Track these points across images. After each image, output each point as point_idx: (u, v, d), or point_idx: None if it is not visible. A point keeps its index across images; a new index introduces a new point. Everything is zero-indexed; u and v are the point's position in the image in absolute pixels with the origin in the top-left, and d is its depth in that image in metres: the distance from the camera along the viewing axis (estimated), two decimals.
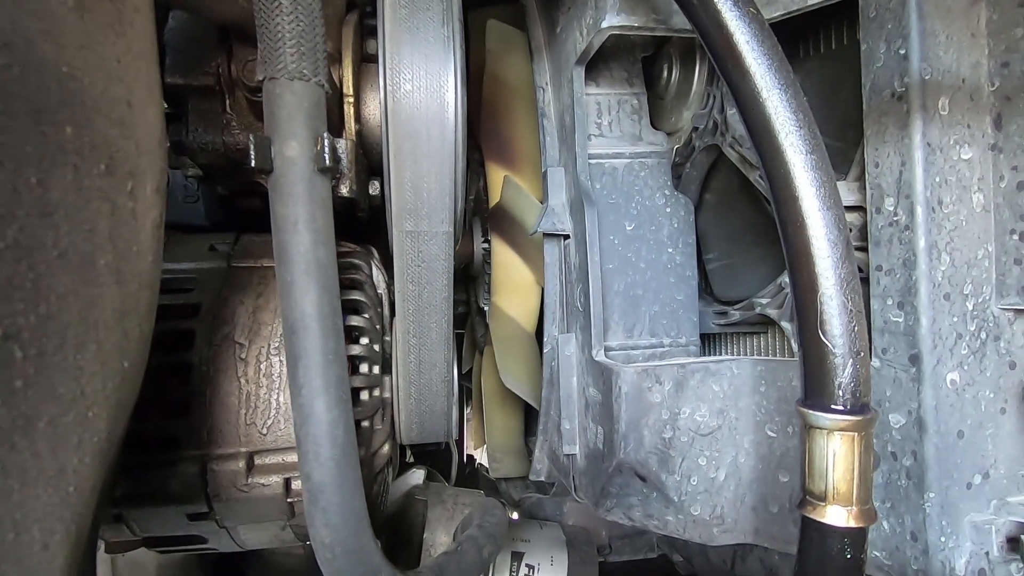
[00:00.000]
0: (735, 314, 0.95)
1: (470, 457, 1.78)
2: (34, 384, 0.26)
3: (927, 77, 0.59)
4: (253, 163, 0.49)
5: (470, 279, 1.40)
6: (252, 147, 0.49)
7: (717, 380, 0.76)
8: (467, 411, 1.63)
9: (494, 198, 1.18)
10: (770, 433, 0.74)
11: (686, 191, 0.99)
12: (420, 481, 1.18)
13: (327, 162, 0.51)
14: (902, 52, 0.60)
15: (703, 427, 0.76)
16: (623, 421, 0.76)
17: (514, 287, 1.20)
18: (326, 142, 0.51)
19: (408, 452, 1.50)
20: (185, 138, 0.70)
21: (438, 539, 1.03)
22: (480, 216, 1.25)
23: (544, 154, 1.00)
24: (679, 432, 0.76)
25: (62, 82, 0.27)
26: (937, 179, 0.60)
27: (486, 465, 1.50)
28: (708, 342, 1.05)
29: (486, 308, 1.30)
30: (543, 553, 1.20)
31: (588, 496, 0.91)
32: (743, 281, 0.99)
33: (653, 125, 0.99)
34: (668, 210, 0.94)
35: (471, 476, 1.74)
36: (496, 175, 1.18)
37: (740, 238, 0.99)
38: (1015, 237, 0.60)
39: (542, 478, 1.12)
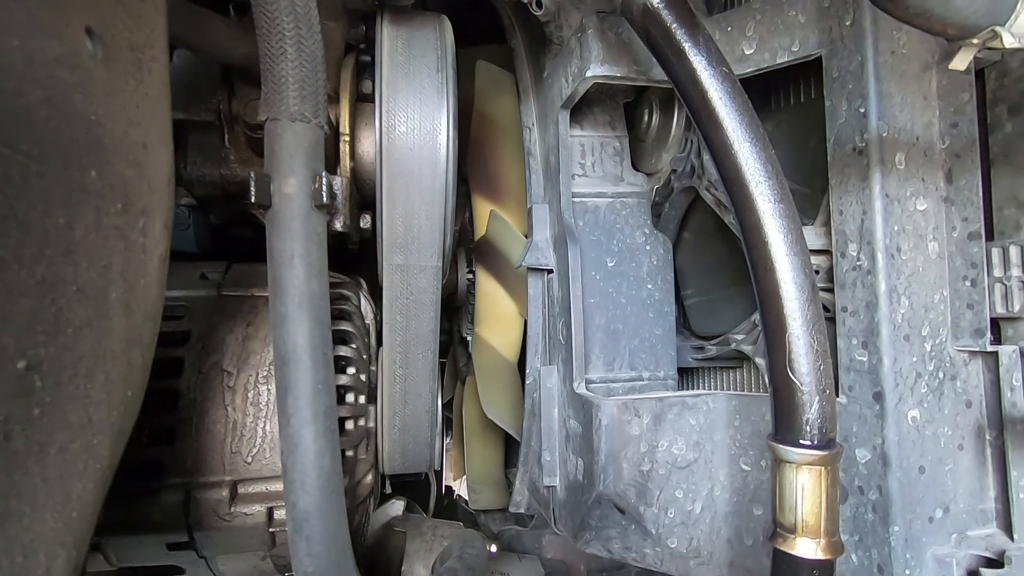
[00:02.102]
0: (711, 349, 0.99)
1: (448, 488, 1.76)
2: (49, 412, 0.27)
3: (884, 134, 0.64)
4: (253, 198, 0.51)
5: (454, 309, 1.42)
6: (252, 183, 0.51)
7: (693, 414, 0.79)
8: (447, 441, 1.62)
9: (479, 230, 1.21)
10: (744, 467, 0.77)
11: (665, 229, 1.03)
12: (399, 512, 1.17)
13: (324, 199, 0.53)
14: (862, 111, 0.65)
15: (680, 460, 0.78)
16: (603, 453, 0.78)
17: (497, 318, 1.22)
18: (324, 180, 0.53)
19: (387, 483, 1.48)
20: (183, 170, 0.72)
21: (416, 572, 1.03)
22: (465, 247, 1.27)
23: (529, 191, 1.04)
24: (657, 465, 0.78)
25: (89, 129, 0.29)
26: (896, 227, 0.65)
27: (465, 496, 1.49)
28: (685, 376, 1.08)
29: (469, 338, 1.31)
30: None
31: (568, 528, 0.92)
32: (719, 317, 1.03)
33: (634, 165, 1.03)
34: (648, 248, 0.97)
35: (449, 507, 1.72)
36: (482, 208, 1.21)
37: (716, 275, 1.03)
38: (967, 283, 0.65)
39: (522, 510, 1.12)
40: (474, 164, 1.19)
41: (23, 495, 0.26)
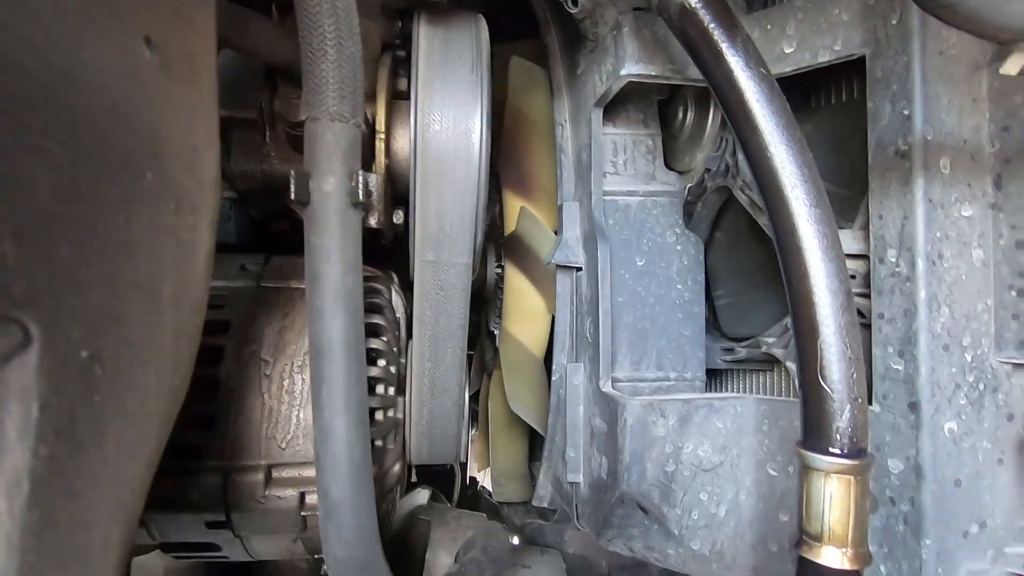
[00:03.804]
0: (741, 351, 0.97)
1: (472, 479, 1.78)
2: (108, 399, 0.29)
3: (930, 138, 0.62)
4: (293, 196, 0.53)
5: (482, 302, 1.43)
6: (292, 181, 0.53)
7: (721, 417, 0.78)
8: (472, 433, 1.64)
9: (509, 225, 1.22)
10: (771, 472, 0.76)
11: (696, 229, 1.02)
12: (424, 501, 1.20)
13: (360, 197, 0.54)
14: (906, 113, 0.63)
15: (705, 462, 0.78)
16: (627, 452, 0.78)
17: (525, 313, 1.23)
18: (360, 179, 0.54)
19: (413, 472, 1.51)
20: (227, 165, 0.74)
21: (440, 560, 1.05)
22: (495, 242, 1.28)
23: (560, 188, 1.04)
24: (682, 466, 0.78)
25: (148, 135, 0.31)
26: (938, 234, 0.63)
27: (488, 488, 1.51)
28: (713, 377, 1.07)
29: (496, 331, 1.32)
30: None
31: (590, 525, 0.92)
32: (750, 319, 1.01)
33: (667, 163, 1.02)
34: (678, 248, 0.97)
35: (473, 498, 1.74)
36: (512, 203, 1.21)
37: (748, 277, 1.01)
38: (1013, 293, 0.62)
39: (545, 504, 1.13)
40: (506, 160, 1.20)
41: (85, 475, 0.28)
